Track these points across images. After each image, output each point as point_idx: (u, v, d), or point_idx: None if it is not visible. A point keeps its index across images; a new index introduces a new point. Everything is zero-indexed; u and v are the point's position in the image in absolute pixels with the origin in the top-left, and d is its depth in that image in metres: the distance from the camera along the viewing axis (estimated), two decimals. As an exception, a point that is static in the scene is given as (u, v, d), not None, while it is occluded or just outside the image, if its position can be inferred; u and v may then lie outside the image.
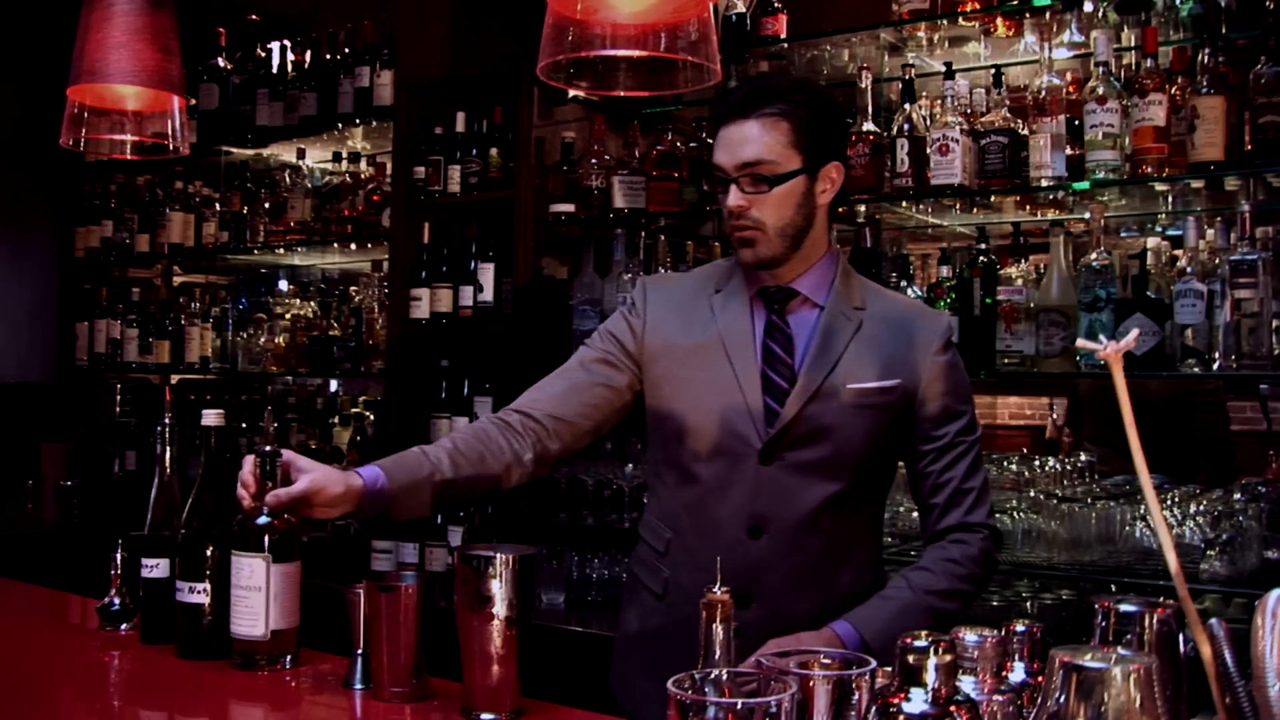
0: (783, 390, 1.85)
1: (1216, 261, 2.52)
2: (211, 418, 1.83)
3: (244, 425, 4.54)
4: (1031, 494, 2.86)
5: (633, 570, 2.04)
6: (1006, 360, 2.75)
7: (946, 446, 1.88)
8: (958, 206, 3.08)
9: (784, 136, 1.81)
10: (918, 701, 1.02)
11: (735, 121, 1.83)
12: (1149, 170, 2.56)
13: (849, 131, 1.91)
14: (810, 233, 1.88)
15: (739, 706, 1.04)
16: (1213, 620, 0.97)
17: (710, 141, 3.22)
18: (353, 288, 4.25)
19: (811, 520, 1.84)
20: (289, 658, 1.75)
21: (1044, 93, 2.68)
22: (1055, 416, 4.47)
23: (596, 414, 1.92)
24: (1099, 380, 3.52)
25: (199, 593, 1.80)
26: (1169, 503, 2.68)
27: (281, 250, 4.46)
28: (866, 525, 1.95)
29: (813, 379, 1.84)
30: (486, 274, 3.63)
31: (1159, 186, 2.71)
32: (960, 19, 2.91)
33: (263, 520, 1.72)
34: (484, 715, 1.49)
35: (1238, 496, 2.60)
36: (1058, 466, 3.06)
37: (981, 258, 2.81)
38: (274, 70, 4.41)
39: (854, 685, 1.13)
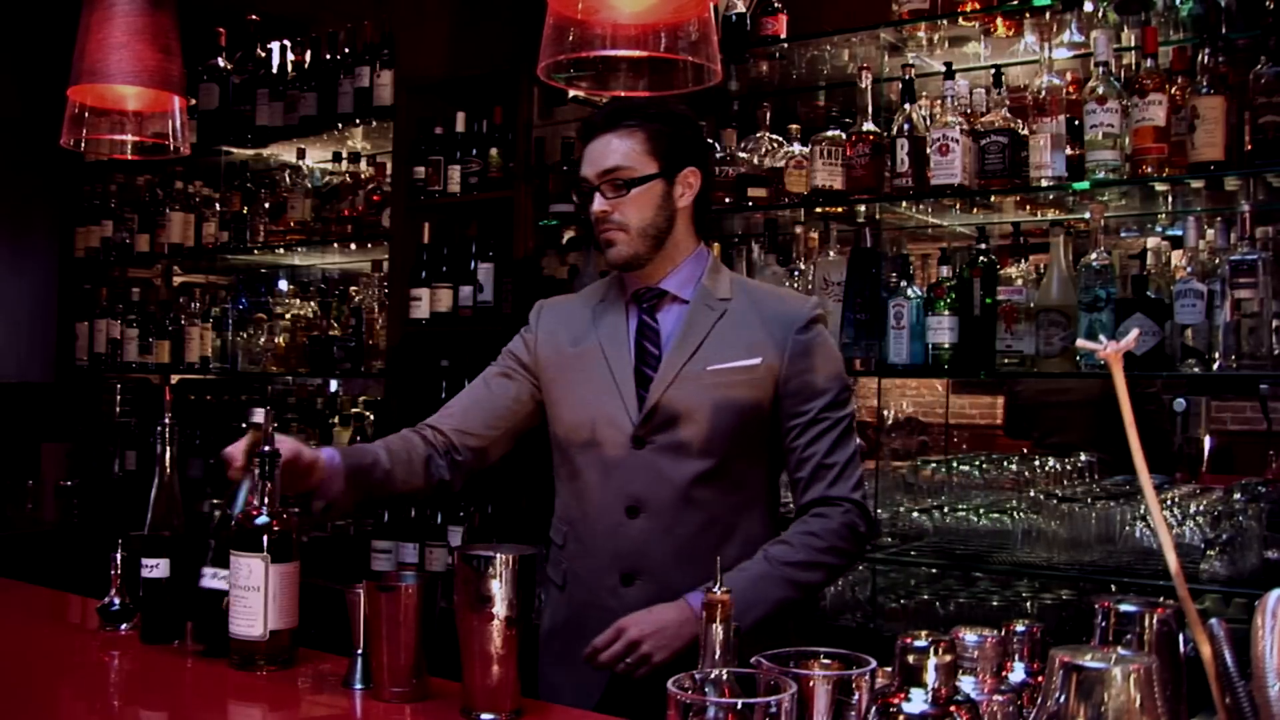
0: (650, 380, 2.00)
1: (1216, 261, 2.52)
2: (260, 415, 1.82)
3: (244, 425, 4.54)
4: (1031, 494, 2.86)
5: (544, 572, 2.17)
6: (1006, 360, 2.75)
7: (810, 422, 1.95)
8: (958, 206, 3.08)
9: (639, 145, 1.97)
10: (918, 701, 1.02)
11: (598, 136, 2.00)
12: (1149, 170, 2.56)
13: (706, 143, 2.16)
14: (672, 234, 2.03)
15: (739, 706, 1.04)
16: (1213, 620, 0.97)
17: (710, 142, 3.24)
18: (353, 288, 4.25)
19: (686, 497, 1.94)
20: (288, 658, 1.75)
21: (1044, 93, 2.68)
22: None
23: (502, 423, 2.11)
24: (1042, 382, 3.55)
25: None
26: (1169, 503, 2.68)
27: (281, 250, 4.46)
28: (750, 501, 2.01)
29: (672, 365, 1.98)
30: (486, 274, 3.63)
31: (1159, 186, 2.71)
32: (960, 19, 2.91)
33: (261, 520, 1.72)
34: (484, 715, 1.49)
35: (1238, 496, 2.60)
36: (1058, 466, 3.06)
37: (981, 258, 2.81)
38: (274, 70, 4.41)
39: (854, 685, 1.13)
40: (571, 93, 3.43)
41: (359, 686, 1.65)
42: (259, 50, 4.50)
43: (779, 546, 1.92)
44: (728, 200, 3.18)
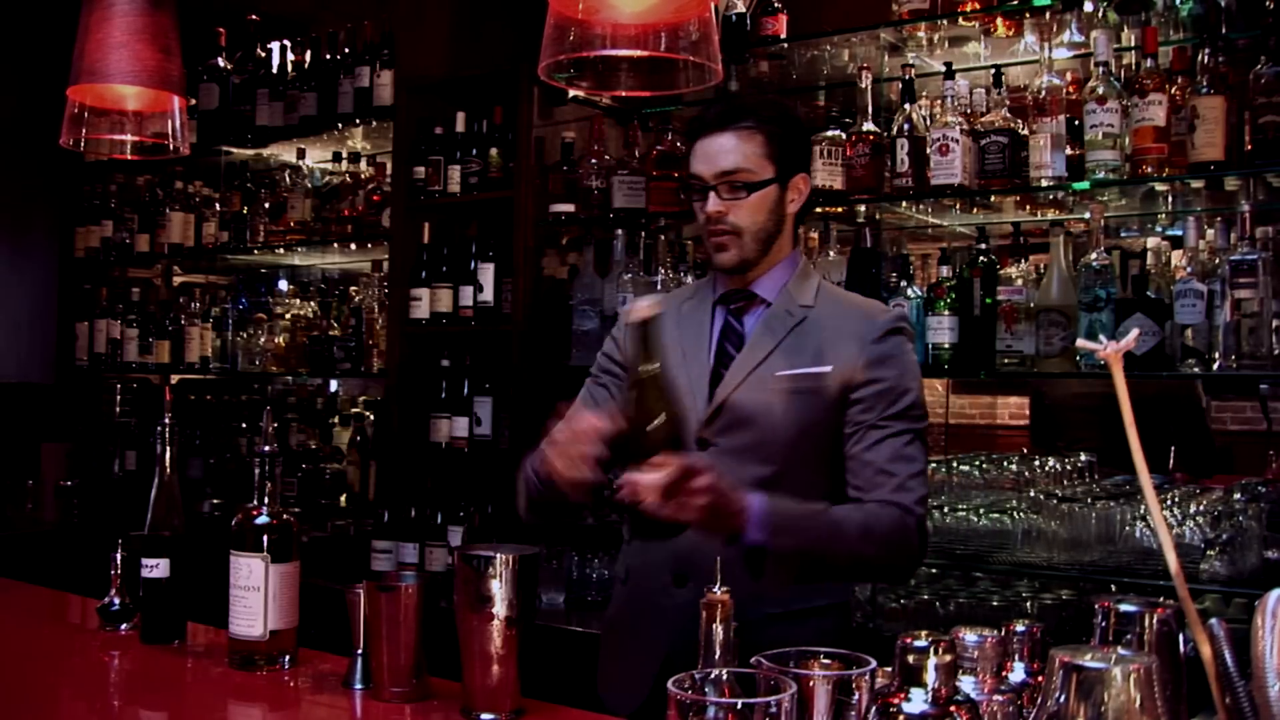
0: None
1: (1216, 261, 2.52)
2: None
3: (244, 425, 4.55)
4: (1031, 494, 2.86)
5: (615, 564, 2.17)
6: (1006, 360, 2.75)
7: (870, 428, 1.91)
8: (958, 206, 3.08)
9: (759, 148, 1.94)
10: (918, 701, 1.02)
11: (713, 134, 1.95)
12: (1149, 170, 2.56)
13: (813, 146, 2.08)
14: (779, 239, 2.01)
15: (739, 706, 1.04)
16: (1213, 620, 0.97)
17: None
18: (353, 288, 4.25)
19: None
20: (288, 658, 1.75)
21: (1044, 93, 2.68)
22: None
23: None
24: (1070, 384, 3.53)
25: None
26: (1169, 503, 2.68)
27: (281, 250, 4.46)
28: None
29: (742, 368, 1.95)
30: (486, 274, 3.63)
31: (1159, 186, 2.71)
32: (960, 19, 2.91)
33: (261, 520, 1.72)
34: (484, 715, 1.49)
35: (1238, 496, 2.60)
36: (1058, 466, 3.05)
37: (981, 258, 2.81)
38: (274, 70, 4.41)
39: (854, 685, 1.13)
40: (571, 93, 3.43)
41: (359, 686, 1.65)
42: (259, 50, 4.50)
43: (845, 506, 1.87)
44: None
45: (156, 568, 1.91)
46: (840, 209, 3.10)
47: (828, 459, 1.95)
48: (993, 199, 2.93)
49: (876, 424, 1.91)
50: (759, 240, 1.96)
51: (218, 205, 4.63)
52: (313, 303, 4.43)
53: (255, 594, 1.71)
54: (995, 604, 2.71)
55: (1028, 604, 2.70)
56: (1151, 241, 2.91)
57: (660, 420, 1.70)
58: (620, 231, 3.38)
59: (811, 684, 1.13)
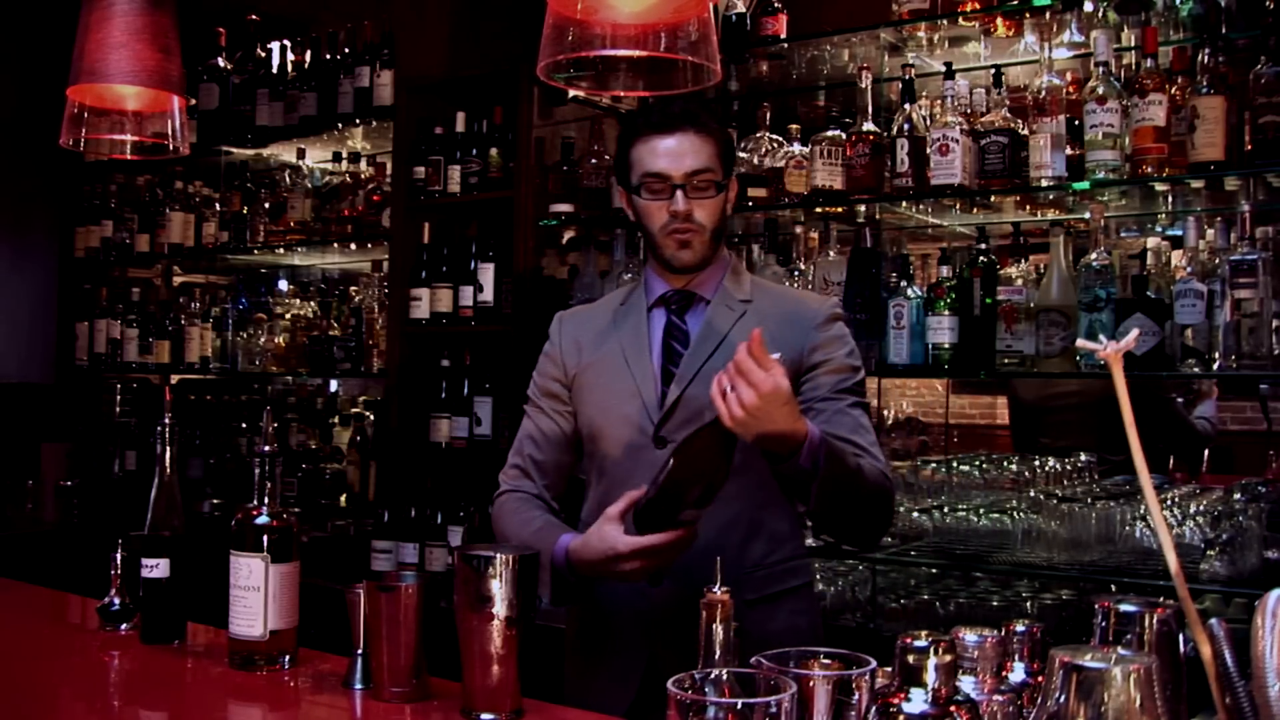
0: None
1: (1216, 261, 2.52)
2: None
3: (244, 425, 4.55)
4: (1031, 494, 2.86)
5: None
6: (1006, 360, 2.75)
7: (826, 401, 1.95)
8: (958, 206, 3.08)
9: (714, 149, 1.99)
10: (918, 701, 1.02)
11: (674, 134, 1.97)
12: (1149, 170, 2.56)
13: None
14: (724, 238, 2.09)
15: (739, 706, 1.04)
16: (1213, 620, 0.97)
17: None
18: (353, 288, 4.25)
19: None
20: (288, 658, 1.75)
21: (1044, 93, 2.68)
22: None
23: (567, 443, 2.11)
24: (1043, 384, 3.53)
25: None
26: (1169, 503, 2.68)
27: (281, 250, 4.46)
28: (776, 497, 1.98)
29: (692, 363, 1.98)
30: (486, 274, 3.63)
31: (1159, 186, 2.71)
32: (960, 19, 2.91)
33: (261, 520, 1.72)
34: (484, 715, 1.49)
35: (1238, 496, 2.60)
36: (1058, 466, 3.05)
37: (981, 258, 2.81)
38: (274, 70, 4.41)
39: (854, 685, 1.13)
40: (571, 93, 3.43)
41: (359, 686, 1.65)
42: (259, 50, 4.50)
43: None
44: (728, 200, 3.18)
45: (156, 568, 1.91)
46: (840, 209, 3.10)
47: None
48: (993, 199, 2.93)
49: (831, 397, 1.95)
50: (715, 238, 2.02)
51: (218, 205, 4.63)
52: (313, 303, 4.43)
53: (255, 594, 1.71)
54: (995, 604, 2.71)
55: (1028, 604, 2.70)
56: (1151, 241, 2.91)
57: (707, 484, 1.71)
58: (620, 231, 3.38)
59: (811, 684, 1.13)
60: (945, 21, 2.95)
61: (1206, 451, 3.57)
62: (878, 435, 3.15)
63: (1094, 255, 2.60)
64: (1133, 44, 2.79)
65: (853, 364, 2.00)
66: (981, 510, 2.91)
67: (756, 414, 1.64)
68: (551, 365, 2.14)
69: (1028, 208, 3.09)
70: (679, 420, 1.95)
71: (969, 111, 2.87)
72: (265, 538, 1.72)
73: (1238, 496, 2.59)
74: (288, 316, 4.43)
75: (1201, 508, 2.61)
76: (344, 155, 4.28)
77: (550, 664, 2.05)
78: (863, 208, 3.07)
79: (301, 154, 4.41)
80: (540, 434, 2.11)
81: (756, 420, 1.65)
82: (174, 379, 4.73)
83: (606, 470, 2.03)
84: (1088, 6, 2.78)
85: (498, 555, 1.48)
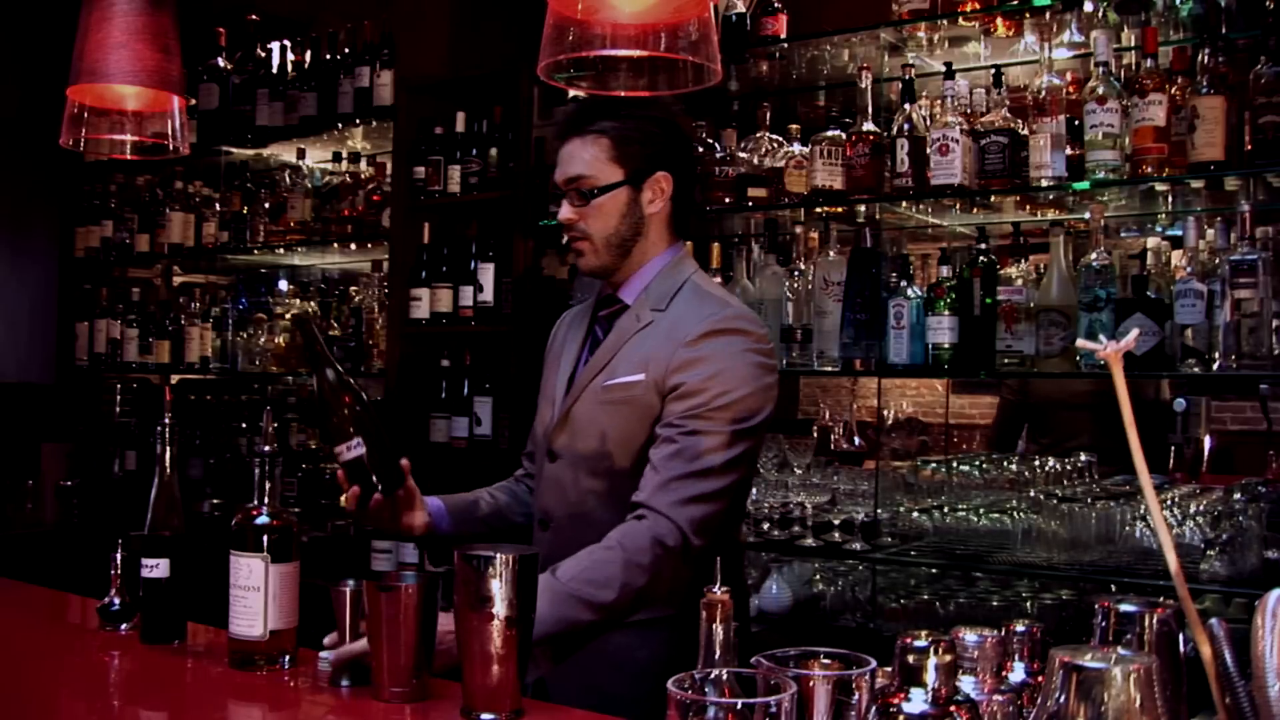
0: None
1: (1216, 261, 2.52)
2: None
3: (244, 425, 4.54)
4: (1031, 494, 2.86)
5: None
6: (1006, 360, 2.75)
7: (663, 427, 1.84)
8: (958, 206, 3.08)
9: (603, 151, 1.91)
10: (918, 701, 1.02)
11: (565, 141, 1.95)
12: (1149, 170, 2.56)
13: (684, 144, 1.99)
14: (641, 241, 1.96)
15: (739, 706, 1.04)
16: (1213, 620, 0.97)
17: (710, 142, 3.24)
18: (353, 288, 4.25)
19: (580, 514, 1.92)
20: (288, 658, 1.75)
21: (1044, 93, 2.68)
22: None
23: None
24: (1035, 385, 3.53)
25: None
26: (1169, 503, 2.68)
27: (281, 250, 4.47)
28: None
29: (583, 379, 1.96)
30: (486, 274, 3.63)
31: (1159, 186, 2.71)
32: (960, 19, 2.91)
33: (261, 520, 1.72)
34: (484, 715, 1.49)
35: (1238, 496, 2.60)
36: (1057, 466, 3.05)
37: (981, 258, 2.81)
38: (274, 70, 4.41)
39: (854, 685, 1.13)
40: (571, 93, 3.43)
41: (345, 684, 1.65)
42: (259, 50, 4.50)
43: (571, 560, 1.76)
44: (728, 200, 3.18)
45: (156, 568, 1.90)
46: (840, 209, 3.10)
47: None
48: (993, 199, 2.93)
49: (667, 423, 1.83)
50: (612, 246, 1.93)
51: (218, 205, 4.63)
52: (313, 303, 4.43)
53: (255, 594, 1.71)
54: (995, 604, 2.70)
55: (1028, 604, 2.70)
56: (1151, 241, 2.91)
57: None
58: (620, 231, 3.38)
59: (811, 684, 1.12)
60: (945, 21, 2.95)
61: (1207, 451, 3.57)
62: (878, 436, 3.14)
63: (1094, 255, 2.59)
64: (1133, 44, 2.79)
65: (709, 385, 1.81)
66: (981, 510, 2.91)
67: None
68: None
69: (1028, 208, 3.09)
70: (566, 435, 1.94)
71: (969, 111, 2.87)
72: (265, 538, 1.72)
73: (1238, 496, 2.59)
74: (288, 316, 4.43)
75: (1201, 508, 2.61)
76: (344, 155, 4.28)
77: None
78: (863, 208, 3.07)
79: (301, 154, 4.41)
80: (534, 427, 2.13)
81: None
82: (174, 379, 4.74)
83: (531, 475, 2.09)
84: (1088, 6, 2.78)
85: (498, 555, 1.48)
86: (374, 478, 1.80)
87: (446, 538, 1.96)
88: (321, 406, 1.81)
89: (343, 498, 1.84)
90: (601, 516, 1.88)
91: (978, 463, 3.13)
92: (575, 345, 2.05)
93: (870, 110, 2.96)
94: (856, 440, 3.62)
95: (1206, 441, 3.84)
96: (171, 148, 2.36)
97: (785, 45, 3.23)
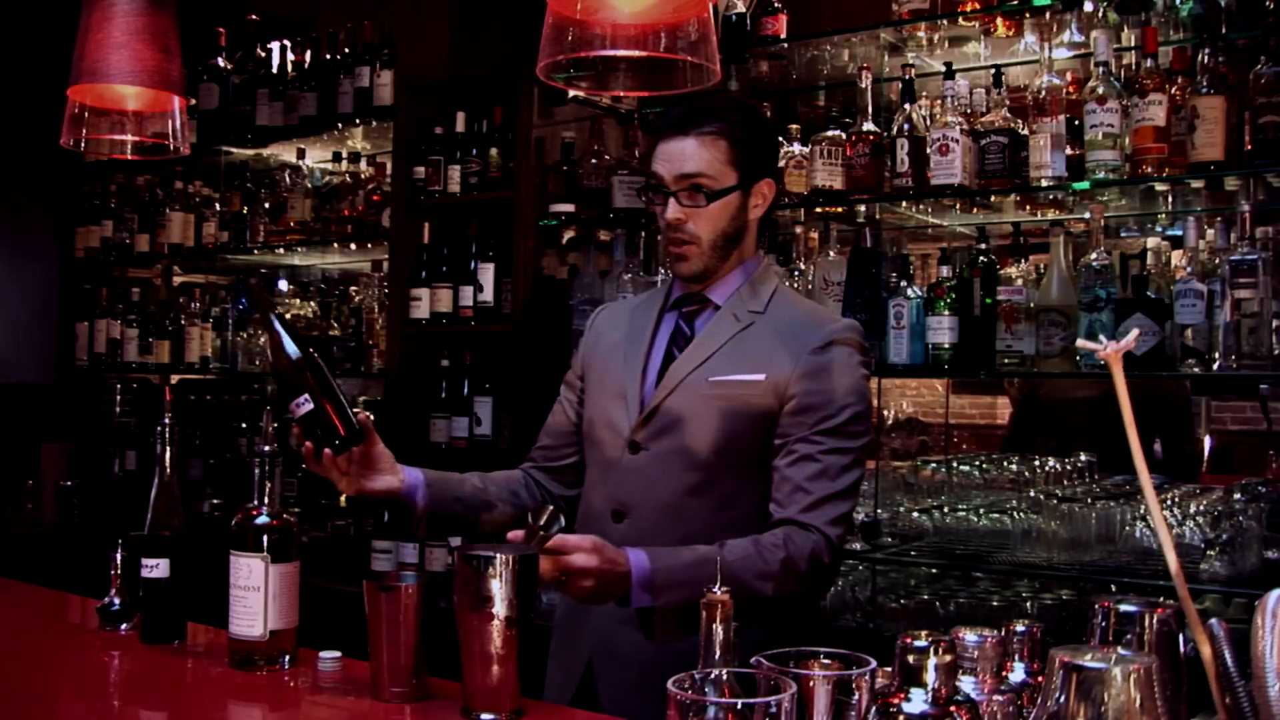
0: None
1: (1216, 261, 2.52)
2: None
3: (244, 425, 4.54)
4: (1031, 494, 2.86)
5: None
6: (1006, 360, 2.75)
7: (799, 441, 1.84)
8: (958, 206, 3.08)
9: (721, 154, 1.88)
10: (918, 701, 1.02)
11: (675, 137, 1.90)
12: (1149, 170, 2.56)
13: (780, 151, 1.97)
14: (739, 245, 1.96)
15: (739, 706, 1.04)
16: (1213, 620, 0.97)
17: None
18: (353, 288, 4.25)
19: (671, 509, 1.88)
20: (288, 658, 1.75)
21: (1044, 93, 2.68)
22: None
23: (567, 435, 2.10)
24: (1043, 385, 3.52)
25: None
26: (1169, 503, 2.68)
27: (281, 250, 4.46)
28: (739, 522, 1.87)
29: (678, 372, 1.92)
30: (486, 274, 3.63)
31: (1159, 186, 2.71)
32: (960, 19, 2.91)
33: (261, 520, 1.72)
34: (484, 715, 1.49)
35: (1238, 496, 2.60)
36: (1058, 466, 3.06)
37: (981, 258, 2.81)
38: (274, 70, 4.41)
39: (854, 685, 1.13)
40: (571, 93, 3.43)
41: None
42: (259, 50, 4.50)
43: (739, 544, 1.77)
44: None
45: (156, 568, 1.91)
46: (840, 209, 3.10)
47: (757, 469, 1.89)
48: (993, 199, 2.93)
49: (803, 439, 1.83)
50: (718, 249, 1.92)
51: (218, 205, 4.63)
52: (313, 303, 4.43)
53: (255, 594, 1.71)
54: (995, 604, 2.71)
55: (1028, 604, 2.70)
56: (1151, 241, 2.91)
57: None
58: (620, 231, 3.38)
59: (811, 684, 1.13)
60: (945, 21, 2.95)
61: (1207, 451, 3.57)
62: (878, 436, 3.15)
63: (1094, 255, 2.60)
64: (1133, 44, 2.79)
65: (838, 401, 1.85)
66: (981, 510, 2.92)
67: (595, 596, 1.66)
68: (577, 354, 2.14)
69: (1028, 208, 3.09)
70: (655, 428, 1.90)
71: (969, 111, 2.87)
72: (265, 538, 1.72)
73: (1238, 496, 2.59)
74: (288, 316, 4.43)
75: (1201, 508, 2.61)
76: (344, 155, 4.28)
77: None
78: (863, 208, 3.07)
79: (301, 154, 4.41)
80: (551, 421, 2.12)
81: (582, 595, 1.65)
82: (174, 379, 4.74)
83: (590, 466, 2.02)
84: (1088, 6, 2.78)
85: (498, 555, 1.48)
86: (320, 431, 1.77)
87: (432, 515, 1.92)
88: (274, 370, 1.81)
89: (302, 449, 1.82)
90: (694, 510, 1.87)
91: (978, 463, 3.14)
92: (645, 339, 1.99)
93: (870, 110, 2.96)
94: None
95: (1206, 441, 3.84)
96: (172, 148, 2.36)
97: (785, 45, 3.22)
